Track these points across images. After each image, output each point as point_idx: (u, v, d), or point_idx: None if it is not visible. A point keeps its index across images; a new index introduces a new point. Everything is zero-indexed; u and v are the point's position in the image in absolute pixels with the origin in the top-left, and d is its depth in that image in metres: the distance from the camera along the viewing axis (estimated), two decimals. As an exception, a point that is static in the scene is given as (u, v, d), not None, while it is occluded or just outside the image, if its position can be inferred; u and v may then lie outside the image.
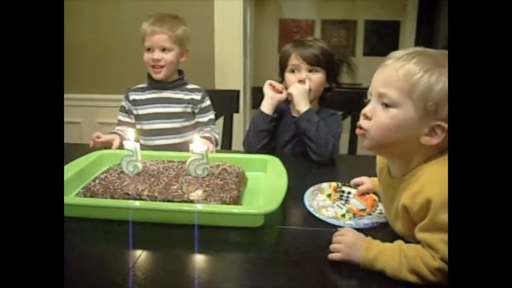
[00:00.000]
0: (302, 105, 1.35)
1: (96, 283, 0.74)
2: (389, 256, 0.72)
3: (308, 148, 1.34)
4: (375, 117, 0.77)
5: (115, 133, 1.51)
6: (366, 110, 0.79)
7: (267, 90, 1.42)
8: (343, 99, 1.60)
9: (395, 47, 4.57)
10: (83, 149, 1.32)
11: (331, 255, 0.76)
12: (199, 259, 0.81)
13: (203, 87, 1.71)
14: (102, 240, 0.88)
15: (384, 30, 4.60)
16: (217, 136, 1.61)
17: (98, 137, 1.42)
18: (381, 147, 0.81)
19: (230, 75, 2.35)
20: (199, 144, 1.04)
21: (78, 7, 2.48)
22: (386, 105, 0.76)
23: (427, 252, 0.69)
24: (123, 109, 1.65)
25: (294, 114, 1.42)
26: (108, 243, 0.87)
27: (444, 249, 0.67)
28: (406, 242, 0.76)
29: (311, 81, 1.38)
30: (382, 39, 4.59)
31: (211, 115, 1.66)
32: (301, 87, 1.37)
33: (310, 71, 1.39)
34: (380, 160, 0.91)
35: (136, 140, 1.08)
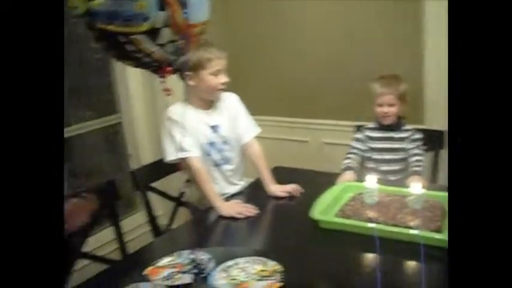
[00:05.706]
0: None
1: (348, 273, 1.37)
2: None
3: None
4: None
5: (349, 167, 2.16)
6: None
7: None
8: None
9: None
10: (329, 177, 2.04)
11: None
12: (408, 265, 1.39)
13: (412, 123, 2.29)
14: (351, 244, 1.52)
15: None
16: (422, 159, 2.15)
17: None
18: None
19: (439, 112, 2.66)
20: (418, 187, 1.58)
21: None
22: None
23: None
24: (359, 139, 2.32)
25: None
26: (354, 247, 1.50)
27: None
28: None
29: None
30: None
31: (418, 142, 2.21)
32: None
33: None
34: None
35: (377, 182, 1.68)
